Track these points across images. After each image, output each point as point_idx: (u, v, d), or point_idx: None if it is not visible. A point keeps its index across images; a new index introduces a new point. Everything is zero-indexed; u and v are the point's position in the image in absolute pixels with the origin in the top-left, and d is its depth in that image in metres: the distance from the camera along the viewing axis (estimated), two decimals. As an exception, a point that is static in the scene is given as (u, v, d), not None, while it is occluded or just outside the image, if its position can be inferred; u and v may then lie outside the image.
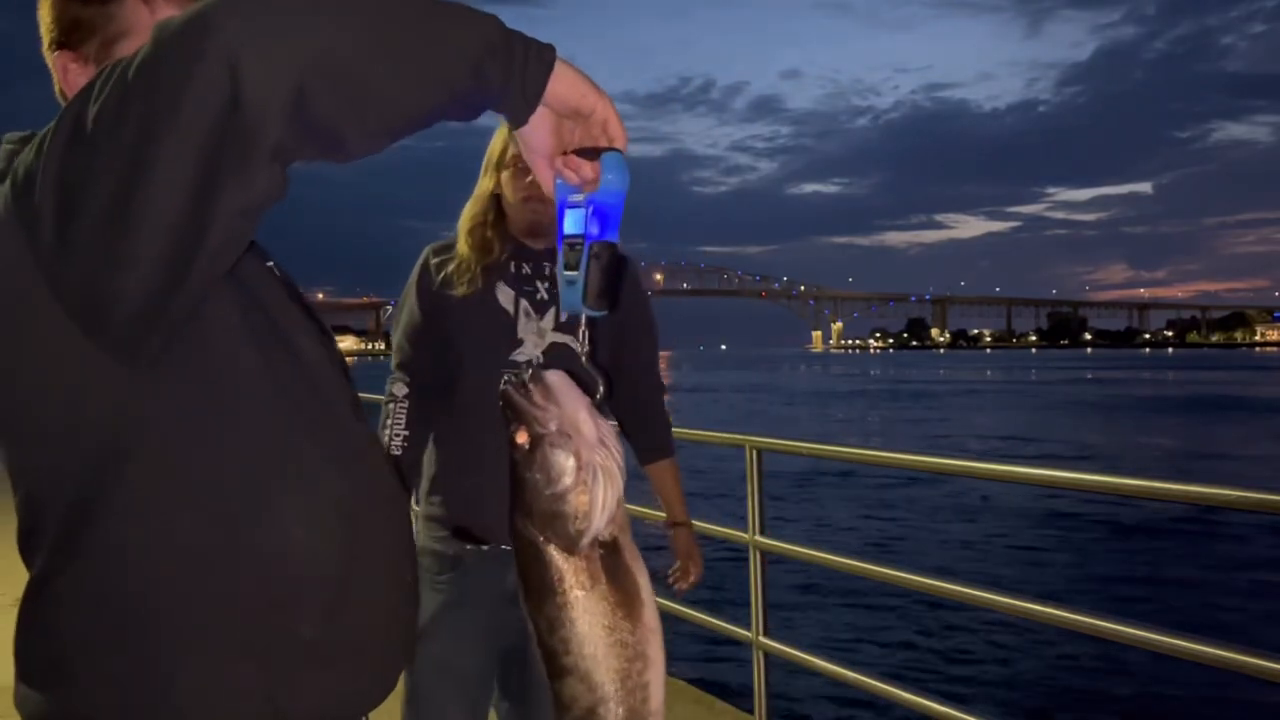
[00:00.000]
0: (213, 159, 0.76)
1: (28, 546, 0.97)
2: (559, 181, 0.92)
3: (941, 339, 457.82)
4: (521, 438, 0.92)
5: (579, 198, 0.91)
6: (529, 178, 2.04)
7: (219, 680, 0.94)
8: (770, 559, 3.55)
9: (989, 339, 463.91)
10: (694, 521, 4.31)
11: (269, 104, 0.75)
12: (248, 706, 0.95)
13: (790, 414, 41.37)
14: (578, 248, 0.91)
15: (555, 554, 0.91)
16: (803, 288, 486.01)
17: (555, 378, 0.94)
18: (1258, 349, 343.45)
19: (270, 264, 1.10)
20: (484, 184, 2.13)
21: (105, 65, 0.82)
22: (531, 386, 0.94)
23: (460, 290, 2.07)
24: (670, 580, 2.40)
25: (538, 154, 0.90)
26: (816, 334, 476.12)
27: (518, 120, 0.88)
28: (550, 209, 1.14)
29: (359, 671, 1.04)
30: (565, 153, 0.90)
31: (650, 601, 0.95)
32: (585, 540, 0.91)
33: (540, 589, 0.92)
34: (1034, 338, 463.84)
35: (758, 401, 51.33)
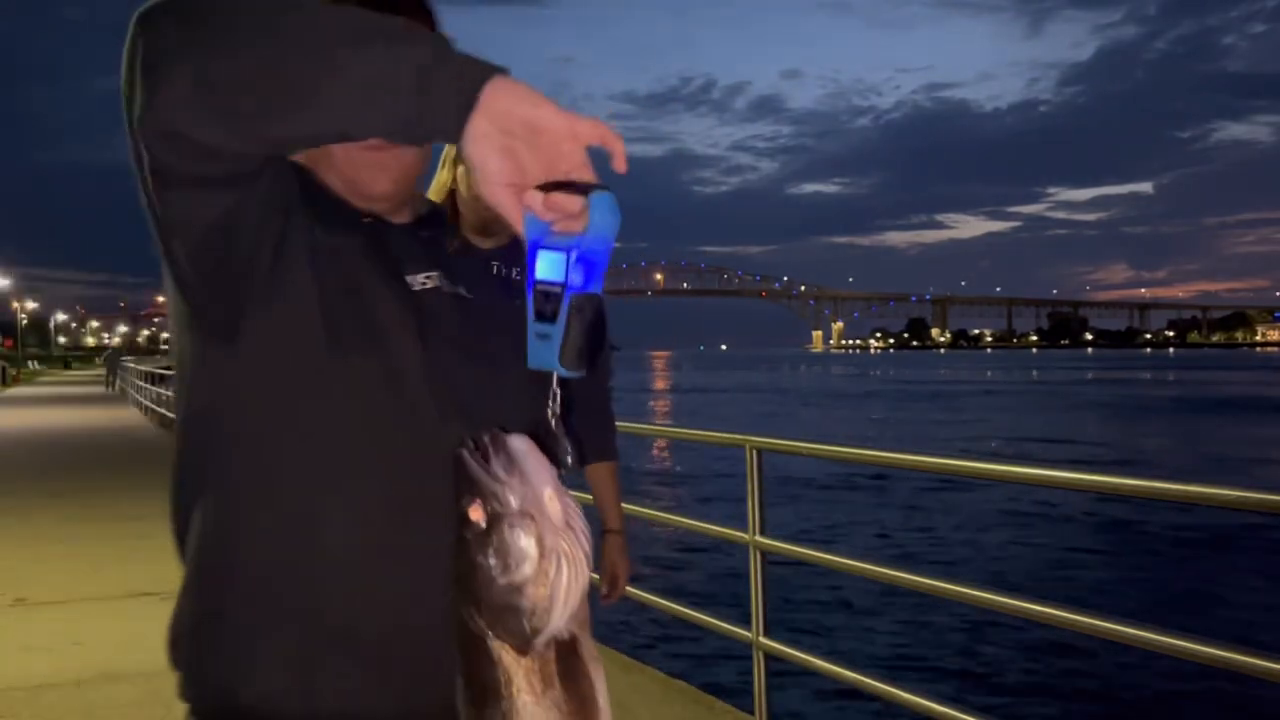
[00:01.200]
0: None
1: None
2: (529, 216, 0.80)
3: (942, 339, 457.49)
4: (476, 514, 0.79)
5: (559, 239, 0.79)
6: None
7: (257, 644, 1.01)
8: (770, 559, 3.56)
9: (990, 339, 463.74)
10: (694, 521, 4.33)
11: (144, 86, 0.80)
12: (279, 675, 1.00)
13: (812, 417, 40.52)
14: (554, 297, 0.79)
15: (504, 652, 0.79)
16: (803, 287, 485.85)
17: (520, 444, 0.82)
18: (1258, 349, 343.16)
19: (434, 283, 1.12)
20: (441, 177, 2.11)
21: None
22: (492, 454, 0.82)
23: None
24: (602, 595, 2.29)
25: (494, 182, 0.80)
26: (817, 334, 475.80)
27: (445, 129, 0.79)
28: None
29: (388, 674, 1.03)
30: (546, 187, 0.79)
31: (606, 708, 0.83)
32: (541, 639, 0.79)
33: (484, 690, 0.79)
34: (1034, 338, 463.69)
35: (771, 403, 50.99)
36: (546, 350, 0.79)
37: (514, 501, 0.79)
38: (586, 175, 0.79)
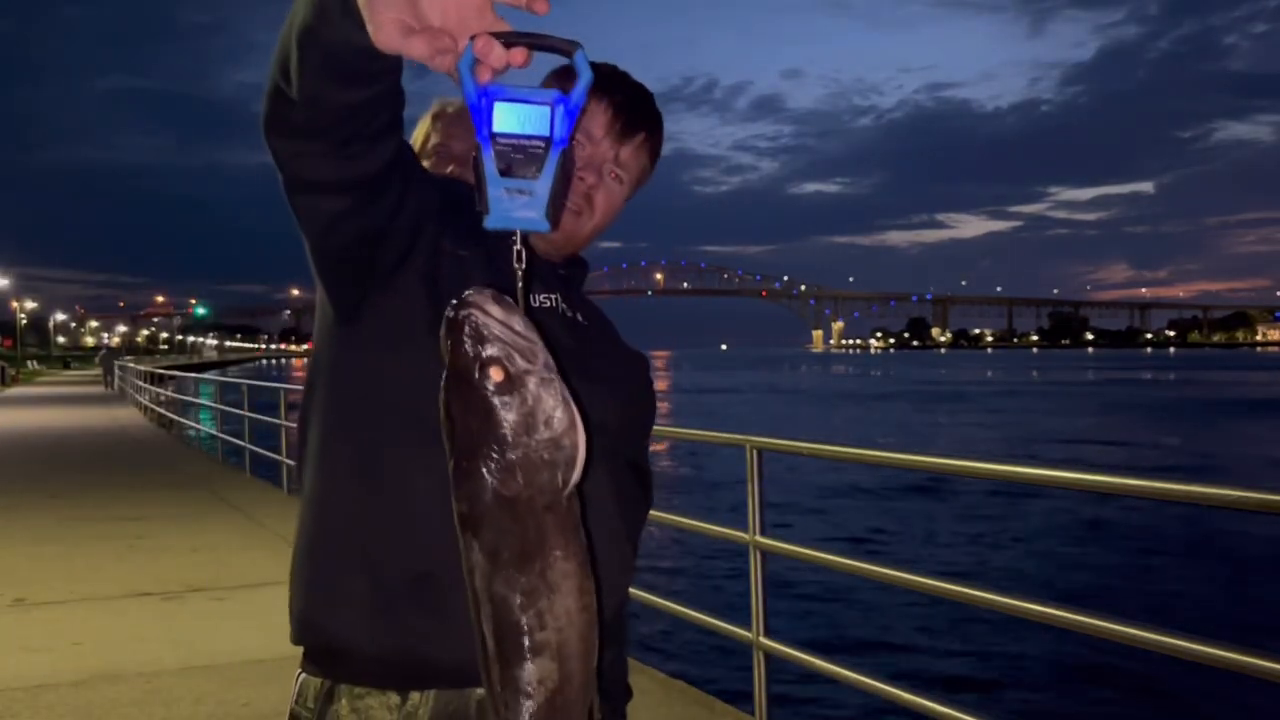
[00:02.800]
0: None
1: None
2: (467, 62, 0.75)
3: (943, 339, 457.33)
4: (498, 374, 0.78)
5: (524, 91, 0.77)
6: (449, 168, 1.93)
7: (336, 587, 1.14)
8: (771, 559, 3.56)
9: (990, 339, 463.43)
10: (694, 522, 4.33)
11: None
12: (353, 616, 1.11)
13: (831, 417, 39.62)
14: (536, 151, 0.77)
15: (541, 511, 0.79)
16: (803, 287, 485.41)
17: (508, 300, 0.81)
18: (1259, 349, 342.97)
19: (552, 303, 1.25)
20: (419, 131, 2.08)
21: None
22: (505, 312, 0.79)
23: None
24: None
25: (387, 14, 0.75)
26: (817, 333, 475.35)
27: None
28: None
29: (455, 626, 1.06)
30: (505, 38, 0.76)
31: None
32: (570, 488, 0.80)
33: (522, 556, 0.79)
34: (1035, 338, 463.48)
35: (785, 404, 50.68)
36: (525, 207, 0.78)
37: (540, 356, 0.80)
38: (492, 22, 0.77)
